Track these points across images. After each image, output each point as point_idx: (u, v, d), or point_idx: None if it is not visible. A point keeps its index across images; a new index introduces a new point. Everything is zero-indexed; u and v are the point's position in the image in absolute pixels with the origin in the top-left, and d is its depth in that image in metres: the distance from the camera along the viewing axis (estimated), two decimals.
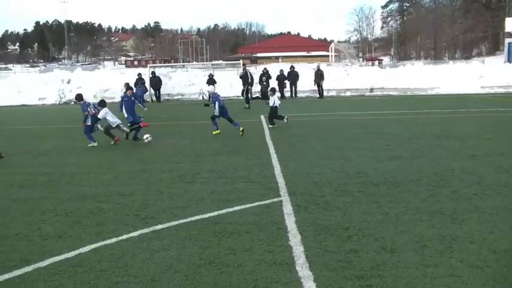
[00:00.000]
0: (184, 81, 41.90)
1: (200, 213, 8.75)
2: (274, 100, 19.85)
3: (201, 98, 37.40)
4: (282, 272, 6.32)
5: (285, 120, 19.91)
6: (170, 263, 6.68)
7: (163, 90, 38.95)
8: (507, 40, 64.82)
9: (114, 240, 7.61)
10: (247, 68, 36.17)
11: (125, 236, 7.74)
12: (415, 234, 7.48)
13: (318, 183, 10.65)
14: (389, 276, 6.09)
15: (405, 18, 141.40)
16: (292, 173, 11.72)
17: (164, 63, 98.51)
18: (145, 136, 17.11)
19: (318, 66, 38.61)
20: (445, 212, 8.52)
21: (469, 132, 17.57)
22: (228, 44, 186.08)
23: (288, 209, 8.87)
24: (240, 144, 16.17)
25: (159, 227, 8.14)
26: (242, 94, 33.02)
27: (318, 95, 36.72)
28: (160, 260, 6.78)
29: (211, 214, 8.72)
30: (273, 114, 20.01)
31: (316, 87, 36.91)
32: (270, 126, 19.73)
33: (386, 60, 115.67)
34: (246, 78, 33.61)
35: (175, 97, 39.82)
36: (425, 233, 7.53)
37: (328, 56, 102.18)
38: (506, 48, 64.10)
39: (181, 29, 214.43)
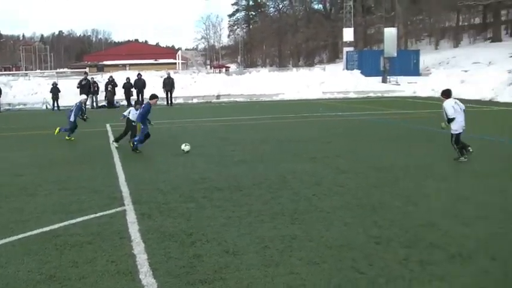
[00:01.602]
0: (26, 90, 39.93)
1: (41, 227, 8.40)
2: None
3: (44, 107, 35.95)
4: (125, 281, 6.26)
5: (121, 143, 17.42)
6: (7, 281, 6.35)
7: (4, 99, 36.80)
8: (345, 49, 68.57)
9: None
10: (89, 77, 35.20)
11: None
12: (257, 235, 7.71)
13: (163, 191, 10.64)
14: (232, 279, 6.23)
15: (251, 26, 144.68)
16: (137, 181, 11.60)
17: (5, 71, 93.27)
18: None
19: (169, 74, 38.51)
20: (285, 213, 8.86)
21: (310, 136, 18.35)
22: (74, 51, 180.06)
23: (131, 217, 8.78)
24: (84, 154, 15.73)
25: None
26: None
27: (165, 103, 36.54)
28: None
29: (53, 227, 8.42)
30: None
31: (165, 95, 36.71)
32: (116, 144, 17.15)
33: (233, 67, 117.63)
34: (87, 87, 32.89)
35: (16, 107, 37.80)
36: (266, 234, 7.78)
37: (175, 63, 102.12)
38: (344, 57, 67.81)
39: (23, 35, 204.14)
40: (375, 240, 7.48)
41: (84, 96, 20.94)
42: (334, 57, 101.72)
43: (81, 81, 33.02)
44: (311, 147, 15.95)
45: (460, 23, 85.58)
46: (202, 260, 6.80)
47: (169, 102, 36.55)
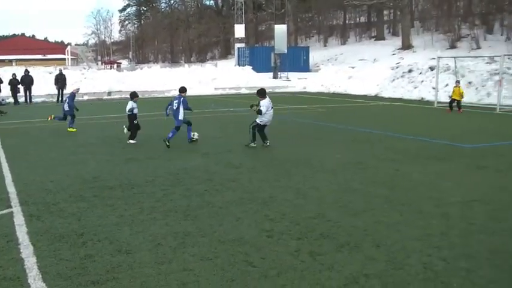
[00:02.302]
0: None
1: None
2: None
3: None
4: (12, 287, 6.03)
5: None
6: None
7: None
8: (237, 45, 69.32)
9: None
10: None
11: None
12: (150, 233, 7.67)
13: (52, 191, 10.31)
14: (125, 278, 6.17)
15: (143, 22, 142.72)
16: (25, 181, 11.17)
17: None
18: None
19: (61, 70, 37.26)
20: (178, 209, 8.87)
21: (202, 131, 18.34)
22: None
23: (19, 220, 8.45)
24: None
25: None
26: None
27: (56, 100, 35.26)
28: None
29: None
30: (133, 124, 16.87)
31: (57, 92, 35.46)
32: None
33: (124, 63, 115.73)
34: None
35: None
36: (159, 231, 7.76)
37: (65, 59, 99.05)
38: (236, 53, 68.51)
39: None
40: (266, 233, 7.65)
41: (76, 86, 21.88)
42: (226, 54, 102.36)
43: None
44: (203, 143, 16.02)
45: (347, 22, 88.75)
46: (94, 261, 6.68)
47: (61, 99, 35.40)
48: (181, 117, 15.97)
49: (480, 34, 57.23)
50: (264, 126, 15.52)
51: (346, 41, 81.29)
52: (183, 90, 16.98)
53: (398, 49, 63.24)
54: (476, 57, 37.28)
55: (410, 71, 37.86)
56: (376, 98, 35.74)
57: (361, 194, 9.89)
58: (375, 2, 65.23)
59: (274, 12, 76.77)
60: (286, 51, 56.63)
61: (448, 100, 26.75)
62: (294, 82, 48.19)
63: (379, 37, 74.55)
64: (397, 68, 40.62)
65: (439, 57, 32.09)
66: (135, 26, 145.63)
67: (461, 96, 26.29)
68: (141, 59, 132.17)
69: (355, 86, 40.27)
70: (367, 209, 8.92)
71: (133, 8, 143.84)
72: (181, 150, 14.91)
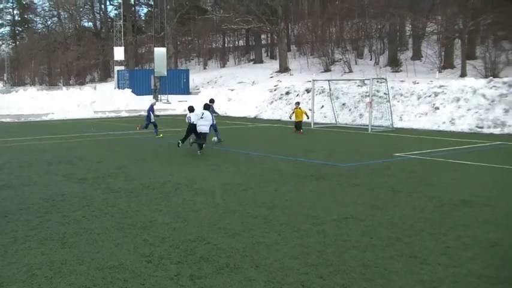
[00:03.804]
0: None
1: None
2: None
3: None
4: None
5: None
6: None
7: None
8: (116, 68, 68.30)
9: None
10: None
11: None
12: (24, 264, 7.38)
13: None
14: None
15: (18, 42, 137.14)
16: None
17: None
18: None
19: None
20: (54, 237, 8.59)
21: (80, 156, 17.97)
22: None
23: None
24: None
25: None
26: None
27: None
28: None
29: None
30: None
31: None
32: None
33: None
34: None
35: None
36: (34, 261, 7.48)
37: None
38: (115, 76, 67.52)
39: None
40: (146, 258, 7.59)
41: (153, 100, 28.55)
42: (105, 76, 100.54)
43: None
44: (81, 168, 15.64)
45: (226, 45, 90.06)
46: None
47: None
48: (214, 121, 20.41)
49: (351, 58, 60.03)
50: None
51: (225, 64, 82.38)
52: (212, 101, 22.81)
53: (276, 72, 64.87)
54: (349, 80, 39.06)
55: (287, 93, 39.02)
56: (256, 119, 36.50)
57: (240, 216, 10.04)
58: (252, 26, 66.60)
59: (154, 35, 76.50)
60: (166, 73, 56.60)
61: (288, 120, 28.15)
62: (174, 105, 48.27)
63: (258, 60, 76.15)
64: (275, 90, 41.74)
65: (314, 80, 33.38)
66: (10, 46, 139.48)
67: (307, 116, 27.82)
68: (17, 82, 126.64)
69: (235, 108, 40.93)
70: (246, 229, 9.07)
71: (7, 28, 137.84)
72: (58, 175, 14.46)
